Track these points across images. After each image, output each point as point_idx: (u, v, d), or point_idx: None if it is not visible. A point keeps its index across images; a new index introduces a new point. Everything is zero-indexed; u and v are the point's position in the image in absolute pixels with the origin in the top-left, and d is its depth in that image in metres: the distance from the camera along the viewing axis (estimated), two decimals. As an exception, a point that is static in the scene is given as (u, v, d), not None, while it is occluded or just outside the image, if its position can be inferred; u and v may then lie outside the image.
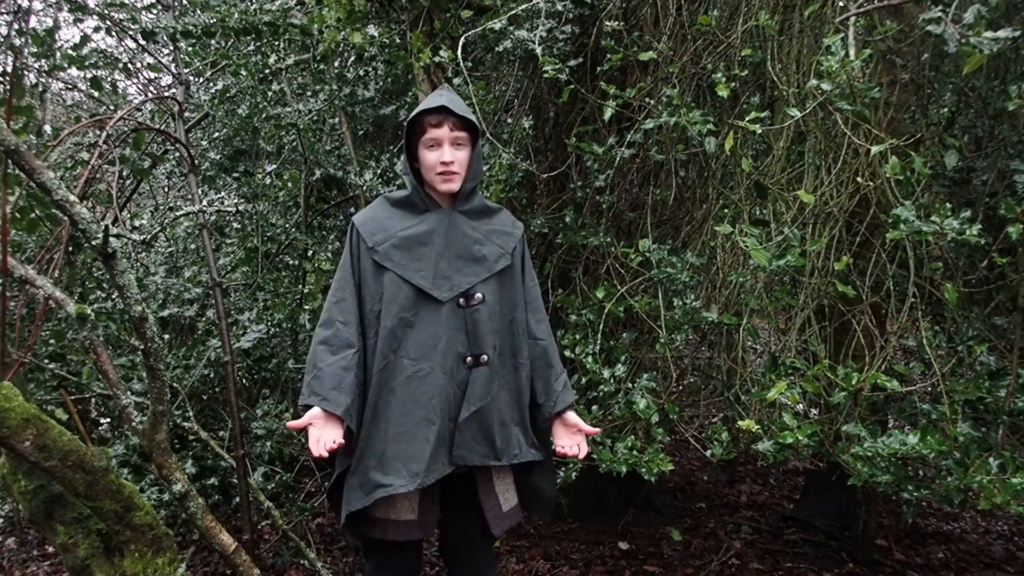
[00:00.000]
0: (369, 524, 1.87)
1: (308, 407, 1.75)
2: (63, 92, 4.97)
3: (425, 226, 1.87)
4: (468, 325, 1.85)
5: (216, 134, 3.51)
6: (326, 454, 1.69)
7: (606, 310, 2.51)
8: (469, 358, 1.85)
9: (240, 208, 2.86)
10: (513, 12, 2.54)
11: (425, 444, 1.78)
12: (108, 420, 3.39)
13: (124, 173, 3.16)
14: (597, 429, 1.96)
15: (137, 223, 3.32)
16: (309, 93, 3.32)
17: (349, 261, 1.89)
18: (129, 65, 3.59)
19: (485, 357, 1.86)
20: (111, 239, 1.95)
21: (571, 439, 1.94)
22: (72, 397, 2.76)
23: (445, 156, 1.82)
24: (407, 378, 1.80)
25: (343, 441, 1.73)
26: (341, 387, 1.76)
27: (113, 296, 3.03)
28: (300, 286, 3.51)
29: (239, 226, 3.40)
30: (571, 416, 1.94)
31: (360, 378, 1.82)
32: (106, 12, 3.12)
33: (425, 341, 1.82)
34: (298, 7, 3.07)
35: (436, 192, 1.89)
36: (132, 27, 3.13)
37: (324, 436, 1.71)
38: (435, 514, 1.93)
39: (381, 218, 1.90)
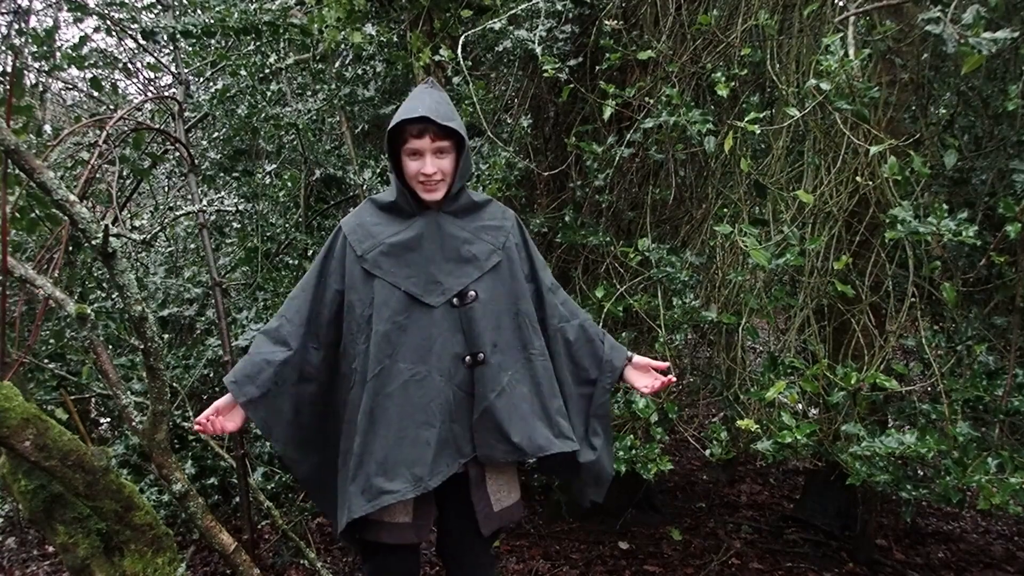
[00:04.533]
0: (364, 526, 1.86)
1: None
2: (63, 92, 4.97)
3: (413, 231, 1.85)
4: (464, 324, 1.83)
5: (216, 134, 3.51)
6: (209, 428, 1.75)
7: (605, 309, 2.51)
8: (468, 358, 1.83)
9: (240, 208, 2.86)
10: (513, 12, 2.54)
11: (427, 448, 1.77)
12: (108, 420, 3.40)
13: (124, 173, 3.16)
14: (665, 363, 1.98)
15: (137, 223, 3.33)
16: (309, 93, 3.32)
17: (323, 263, 1.88)
18: (129, 65, 3.60)
19: (482, 355, 1.83)
20: (111, 239, 1.95)
21: (646, 379, 1.96)
22: (72, 397, 2.77)
23: (427, 168, 1.79)
24: (404, 383, 1.78)
25: (230, 429, 1.79)
26: (256, 379, 1.77)
27: (113, 296, 3.04)
28: (300, 286, 3.50)
29: (239, 226, 3.40)
30: (637, 359, 1.98)
31: (287, 378, 1.82)
32: (106, 12, 3.12)
33: (420, 344, 1.80)
34: (298, 7, 3.07)
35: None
36: (132, 27, 3.13)
37: (221, 420, 1.78)
38: (431, 516, 1.92)
39: (368, 224, 1.88)
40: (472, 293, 1.84)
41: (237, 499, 2.81)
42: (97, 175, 2.96)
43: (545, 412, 1.90)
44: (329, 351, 1.87)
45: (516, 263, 1.93)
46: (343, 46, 3.16)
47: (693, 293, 2.46)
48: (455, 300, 1.83)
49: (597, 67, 2.74)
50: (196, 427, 1.73)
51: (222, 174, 3.46)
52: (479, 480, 1.91)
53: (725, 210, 2.52)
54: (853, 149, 2.31)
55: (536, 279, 1.97)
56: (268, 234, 3.27)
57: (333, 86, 2.99)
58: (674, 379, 1.98)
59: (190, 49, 3.24)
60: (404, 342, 1.79)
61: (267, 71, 3.06)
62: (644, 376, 1.97)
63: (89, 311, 2.09)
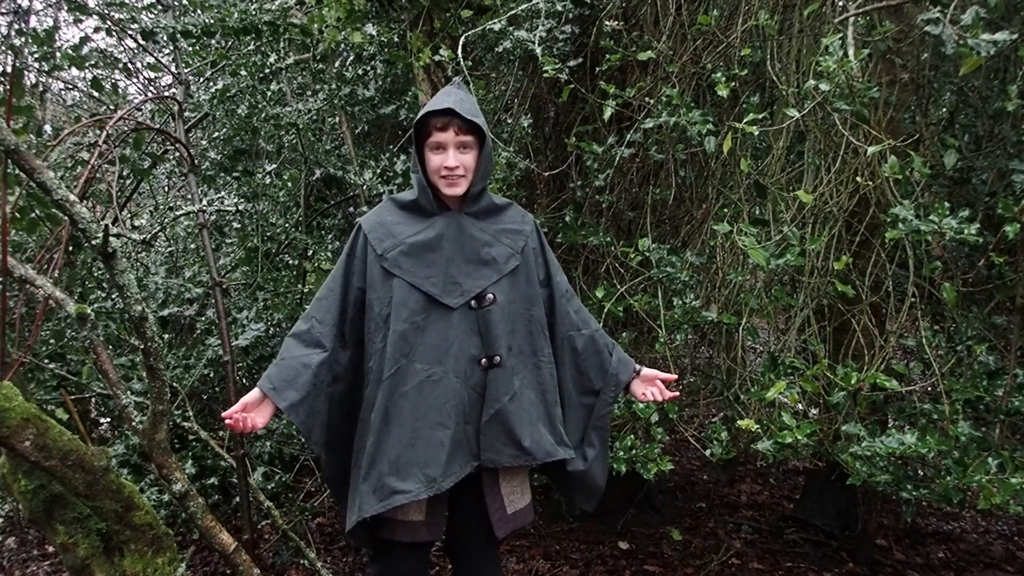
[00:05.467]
0: (377, 524, 1.86)
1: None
2: (63, 92, 4.98)
3: (433, 231, 1.85)
4: (481, 327, 1.83)
5: (216, 134, 3.51)
6: (239, 426, 1.71)
7: (606, 309, 2.51)
8: (483, 360, 1.83)
9: (240, 208, 2.86)
10: (513, 12, 2.54)
11: (440, 449, 1.77)
12: (108, 420, 3.39)
13: (124, 173, 3.16)
14: (673, 376, 1.98)
15: (137, 223, 3.33)
16: (309, 93, 3.32)
17: (346, 263, 1.87)
18: (129, 65, 3.60)
19: (498, 358, 1.84)
20: (111, 239, 1.95)
21: (648, 388, 1.96)
22: (72, 397, 2.77)
23: (449, 161, 1.79)
24: (420, 383, 1.78)
25: (260, 425, 1.75)
26: (295, 382, 1.76)
27: (113, 296, 3.04)
28: (300, 286, 3.51)
29: (239, 226, 3.41)
30: (646, 371, 1.98)
31: (324, 379, 1.81)
32: (106, 12, 3.12)
33: (437, 345, 1.80)
34: (298, 7, 3.07)
35: (443, 194, 1.87)
36: (132, 27, 3.13)
37: (251, 416, 1.73)
38: (444, 515, 1.92)
39: (389, 223, 1.87)
40: (490, 296, 1.84)
41: (237, 499, 2.81)
42: (97, 175, 2.96)
43: (549, 418, 1.92)
44: (355, 350, 1.88)
45: (532, 268, 1.94)
46: (343, 46, 3.16)
47: (693, 293, 2.46)
48: (473, 302, 1.83)
49: (597, 67, 2.74)
50: (228, 423, 1.71)
51: (222, 174, 3.46)
52: (493, 482, 1.92)
53: (725, 210, 2.52)
54: (853, 149, 2.31)
55: (551, 284, 1.98)
56: (268, 234, 3.28)
57: (333, 86, 2.99)
58: (676, 395, 1.98)
59: (190, 49, 3.24)
60: (421, 342, 1.79)
61: (267, 71, 3.06)
62: (648, 386, 1.98)
63: (89, 311, 2.09)
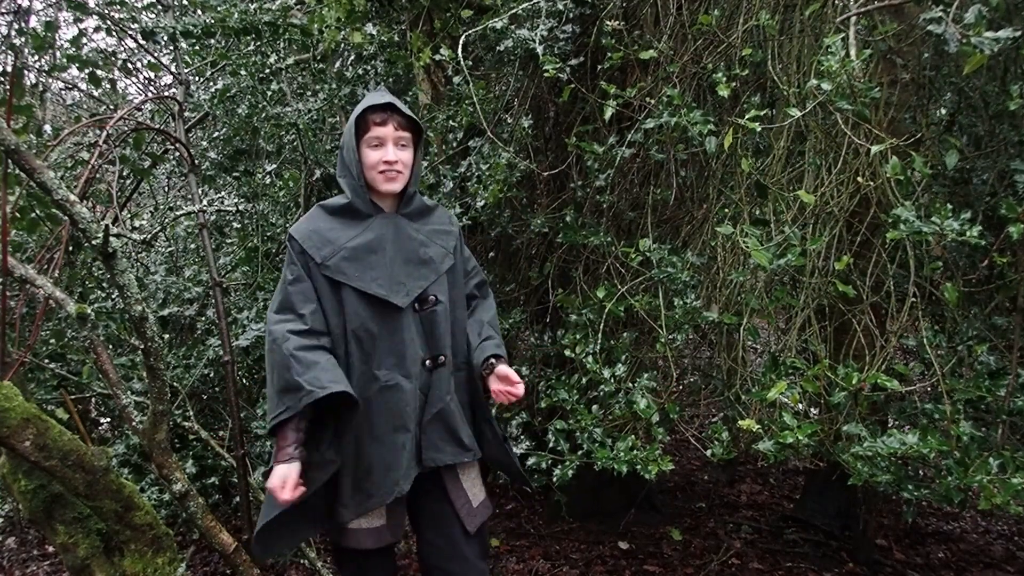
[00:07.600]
0: (342, 534, 1.87)
1: (308, 398, 1.66)
2: (63, 92, 4.97)
3: (372, 233, 1.83)
4: (426, 327, 1.85)
5: (216, 134, 3.51)
6: (292, 497, 1.66)
7: (606, 310, 2.51)
8: (428, 361, 1.85)
9: (240, 208, 2.86)
10: (514, 11, 2.54)
11: (401, 451, 1.80)
12: (108, 420, 3.39)
13: (124, 173, 3.16)
14: (518, 388, 1.84)
15: (137, 223, 3.32)
16: (309, 93, 3.31)
17: (304, 273, 1.79)
18: (129, 64, 3.60)
19: (443, 358, 1.86)
20: (111, 239, 1.95)
21: (500, 387, 1.87)
22: (72, 397, 2.76)
23: (389, 155, 1.78)
24: (380, 389, 1.79)
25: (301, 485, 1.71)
26: (342, 379, 1.73)
27: (113, 296, 3.03)
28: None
29: (239, 226, 3.40)
30: (500, 369, 1.87)
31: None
32: (106, 12, 3.12)
33: (392, 350, 1.80)
34: (298, 7, 3.07)
35: (377, 194, 1.85)
36: (132, 27, 3.12)
37: (291, 478, 1.68)
38: (403, 515, 1.95)
39: (323, 230, 1.83)
40: (432, 297, 1.86)
41: (237, 499, 2.81)
42: (97, 175, 2.96)
43: (472, 418, 1.98)
44: None
45: (459, 269, 1.97)
46: (343, 46, 3.16)
47: (694, 293, 2.46)
48: (416, 304, 1.84)
49: (598, 67, 2.73)
50: (287, 498, 1.67)
51: (222, 174, 3.46)
52: (454, 479, 1.94)
53: (726, 210, 2.52)
54: (854, 149, 2.31)
55: (470, 284, 2.05)
56: (268, 234, 3.27)
57: (333, 86, 2.99)
58: (516, 394, 1.85)
59: (190, 49, 3.24)
60: (378, 348, 1.80)
61: (267, 71, 3.06)
62: (499, 384, 1.88)
63: (89, 311, 2.09)
